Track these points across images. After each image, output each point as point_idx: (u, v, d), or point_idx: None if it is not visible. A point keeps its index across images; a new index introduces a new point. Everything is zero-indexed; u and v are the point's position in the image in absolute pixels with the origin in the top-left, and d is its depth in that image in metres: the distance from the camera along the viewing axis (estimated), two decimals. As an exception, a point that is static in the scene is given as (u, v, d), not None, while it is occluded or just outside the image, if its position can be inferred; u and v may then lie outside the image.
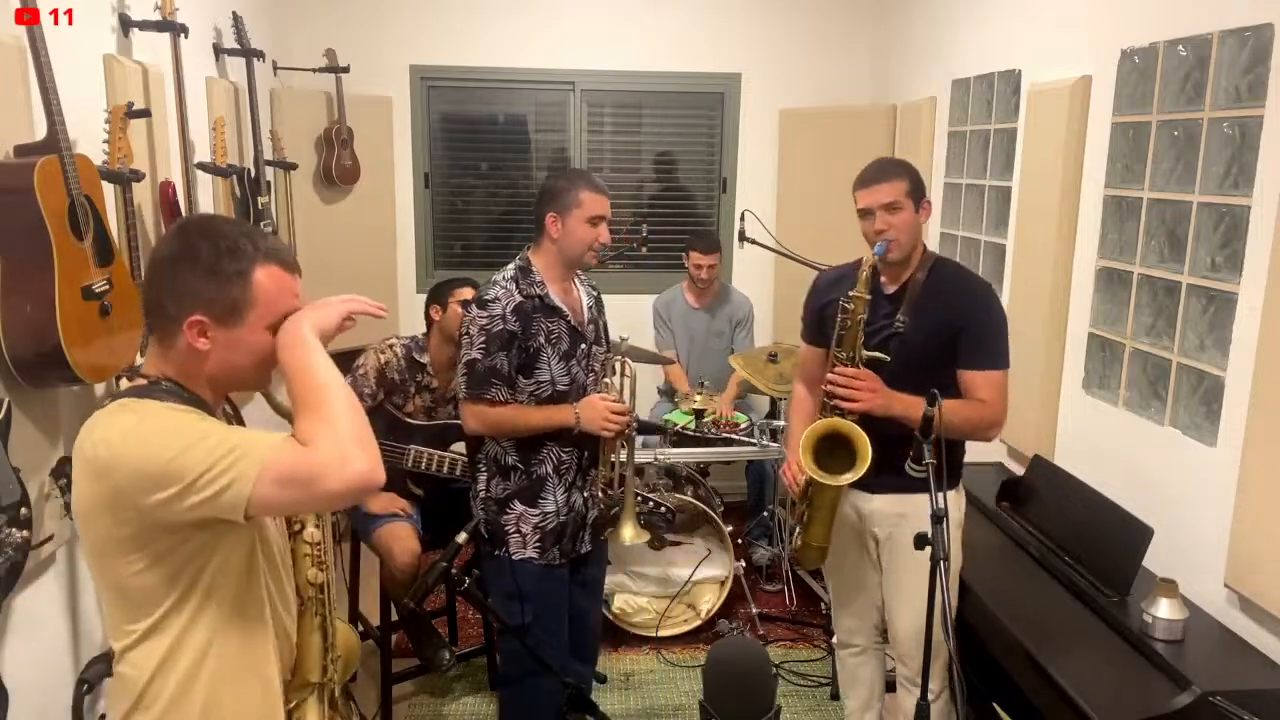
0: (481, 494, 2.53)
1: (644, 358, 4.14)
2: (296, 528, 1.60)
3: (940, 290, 2.43)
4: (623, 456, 2.63)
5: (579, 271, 2.62)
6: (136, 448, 1.30)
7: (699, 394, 4.20)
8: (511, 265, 2.52)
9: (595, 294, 2.70)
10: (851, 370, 2.35)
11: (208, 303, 1.38)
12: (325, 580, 1.63)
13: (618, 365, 2.69)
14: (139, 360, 2.41)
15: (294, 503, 1.37)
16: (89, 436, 1.34)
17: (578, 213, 2.46)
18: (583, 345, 2.56)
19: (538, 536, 2.51)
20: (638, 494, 3.47)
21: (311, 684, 1.58)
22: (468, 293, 3.14)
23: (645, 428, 4.12)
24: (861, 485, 2.47)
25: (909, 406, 2.27)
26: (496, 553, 2.51)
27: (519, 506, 2.50)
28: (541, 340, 2.46)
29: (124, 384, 1.45)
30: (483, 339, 2.40)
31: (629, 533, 2.64)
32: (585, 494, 2.60)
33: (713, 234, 4.65)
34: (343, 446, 1.30)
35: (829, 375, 2.39)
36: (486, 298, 2.43)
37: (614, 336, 2.82)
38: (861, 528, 2.60)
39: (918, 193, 2.41)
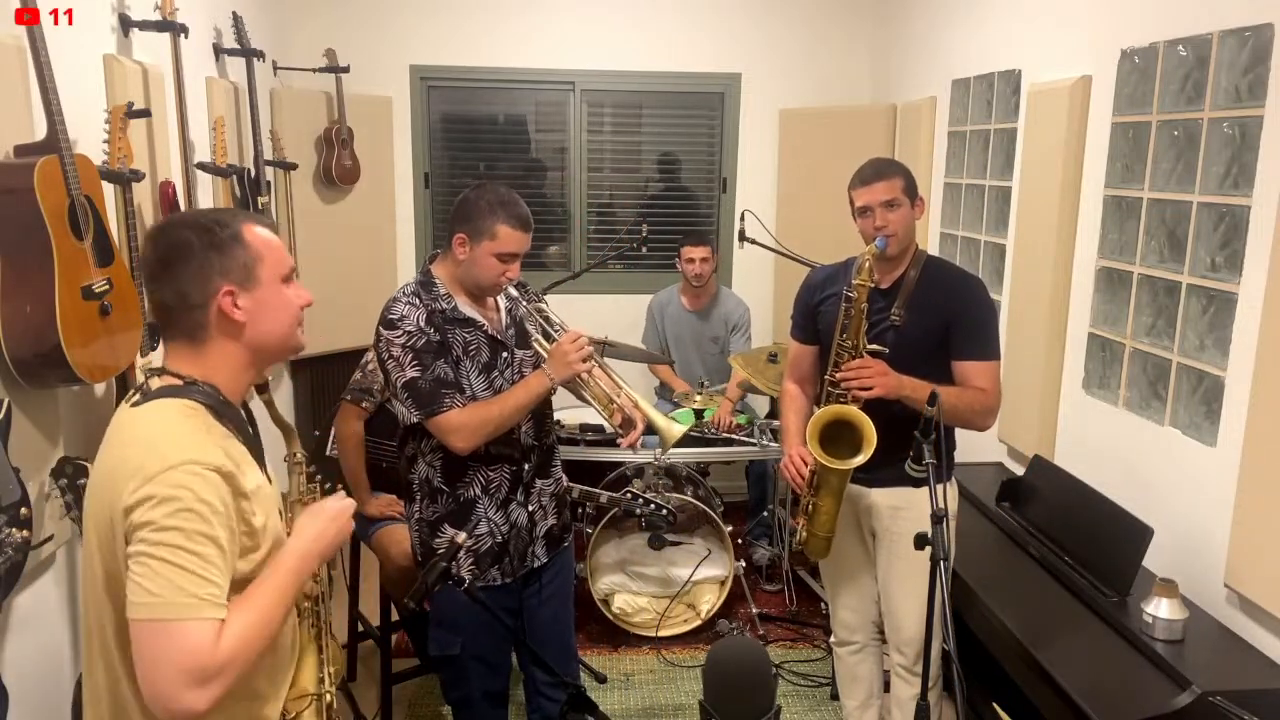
0: (415, 516, 2.42)
1: (639, 357, 4.15)
2: None
3: (935, 285, 2.50)
4: (604, 385, 2.38)
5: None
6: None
7: (699, 393, 4.20)
8: (412, 281, 2.36)
9: (516, 290, 2.40)
10: (858, 360, 2.40)
11: (224, 272, 1.43)
12: (320, 592, 1.62)
13: (536, 320, 2.43)
14: (139, 361, 2.41)
15: (139, 666, 1.30)
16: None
17: (489, 244, 2.27)
18: (504, 354, 2.39)
19: (471, 559, 2.38)
20: (635, 495, 3.48)
21: (309, 694, 1.57)
22: None
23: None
24: (859, 480, 2.50)
25: (916, 388, 2.36)
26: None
27: (449, 530, 2.36)
28: (459, 353, 2.31)
29: (155, 382, 1.44)
30: (411, 357, 2.24)
31: (667, 427, 2.37)
32: (530, 508, 2.44)
33: (699, 229, 4.64)
34: (220, 689, 1.30)
35: (841, 370, 2.41)
36: (392, 317, 2.26)
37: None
38: (859, 522, 2.63)
39: (912, 190, 2.49)
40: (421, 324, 2.26)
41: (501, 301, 2.45)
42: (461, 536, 2.18)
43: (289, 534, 1.55)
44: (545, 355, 2.38)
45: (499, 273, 2.30)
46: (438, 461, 2.37)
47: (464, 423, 2.26)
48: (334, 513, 1.54)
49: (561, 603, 2.61)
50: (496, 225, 2.26)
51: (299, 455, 1.64)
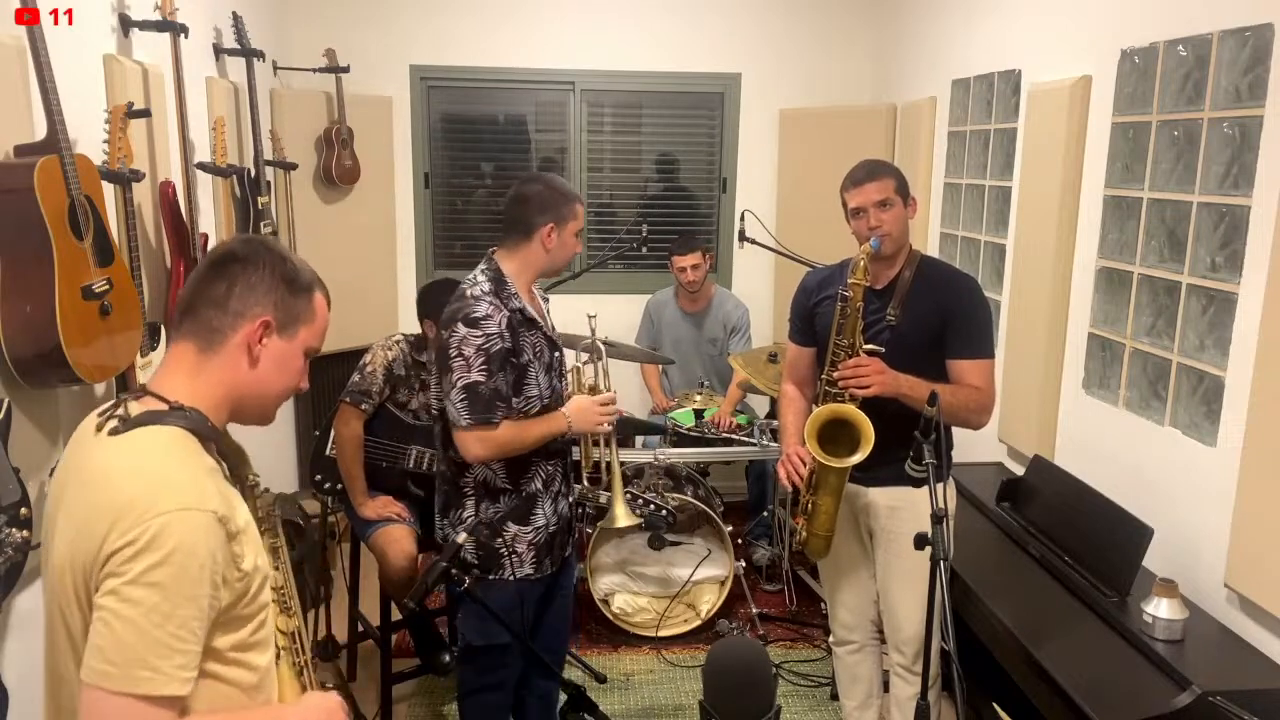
0: (470, 521, 2.42)
1: (639, 356, 4.15)
2: None
3: (929, 285, 2.50)
4: (604, 449, 2.61)
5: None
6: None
7: (699, 393, 4.20)
8: (481, 276, 2.37)
9: (545, 295, 2.61)
10: (855, 359, 2.41)
11: (276, 305, 1.36)
12: (295, 627, 1.50)
13: (584, 359, 2.67)
14: (139, 361, 2.41)
15: None
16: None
17: (572, 225, 2.41)
18: (555, 354, 2.49)
19: (533, 553, 2.44)
20: (636, 495, 3.48)
21: None
22: None
23: (645, 428, 4.12)
24: (857, 479, 2.51)
25: (914, 386, 2.38)
26: (491, 577, 2.39)
27: (513, 528, 2.41)
28: (529, 355, 2.37)
29: (134, 406, 1.30)
30: (482, 360, 2.26)
31: (621, 514, 2.67)
32: (568, 500, 2.57)
33: (688, 234, 4.63)
34: None
35: (838, 369, 2.42)
36: (476, 315, 2.28)
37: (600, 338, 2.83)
38: (857, 521, 2.63)
39: (904, 190, 2.50)
40: (502, 328, 2.30)
41: (542, 303, 2.54)
42: (462, 537, 2.19)
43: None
44: (574, 389, 2.55)
45: (575, 249, 2.47)
46: (498, 462, 2.39)
47: (495, 437, 2.30)
48: (330, 711, 1.40)
49: (568, 596, 2.71)
50: (575, 205, 2.43)
51: (252, 479, 1.51)
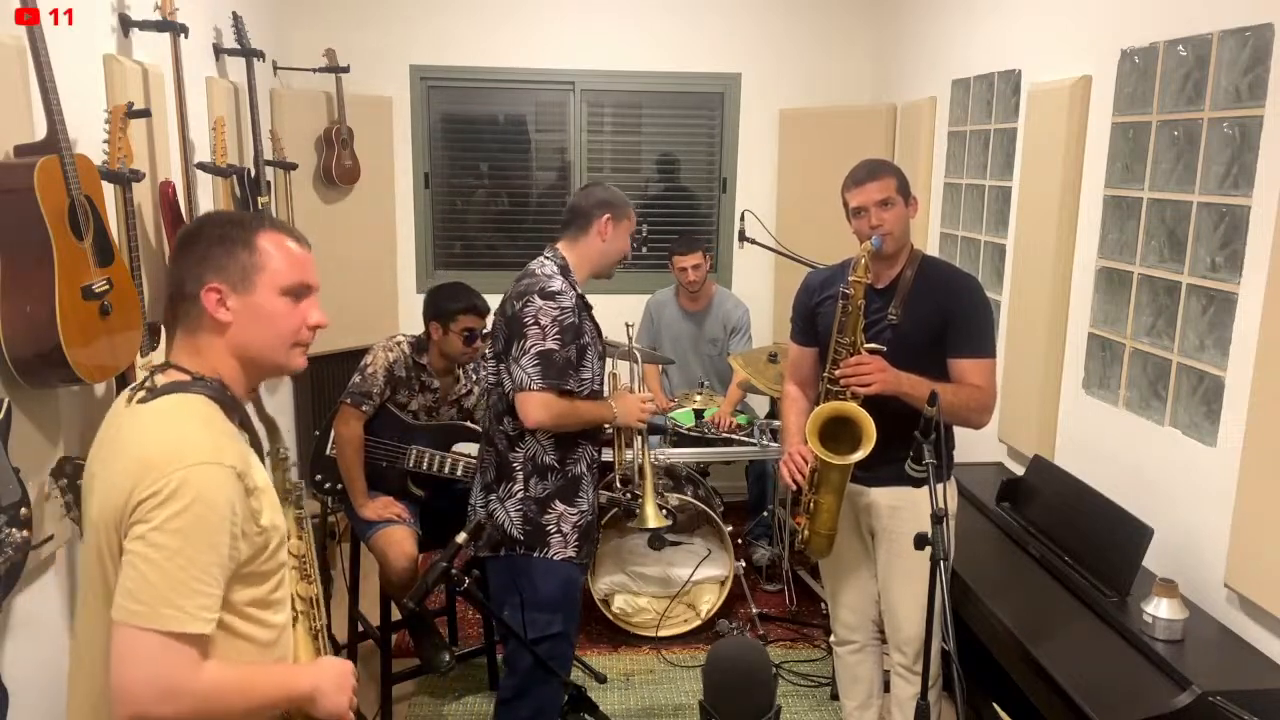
0: (519, 494, 2.50)
1: (646, 358, 4.15)
2: None
3: (931, 284, 2.51)
4: (638, 446, 2.74)
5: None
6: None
7: (699, 393, 4.20)
8: (548, 261, 2.52)
9: None
10: (857, 356, 2.41)
11: (219, 269, 1.42)
12: (315, 594, 1.59)
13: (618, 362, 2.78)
14: (139, 361, 2.41)
15: (112, 661, 1.28)
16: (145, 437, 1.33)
17: (626, 224, 2.58)
18: (601, 345, 2.62)
19: (576, 535, 2.52)
20: (635, 495, 3.48)
21: None
22: (472, 322, 3.11)
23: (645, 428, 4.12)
24: (858, 478, 2.51)
25: (915, 384, 2.38)
26: (535, 555, 2.48)
27: (559, 506, 2.50)
28: (588, 338, 2.51)
29: (160, 378, 1.41)
30: (556, 330, 2.40)
31: (651, 514, 2.74)
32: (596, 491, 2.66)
33: (689, 234, 4.63)
34: (188, 710, 1.27)
35: (841, 368, 2.42)
36: (552, 289, 2.43)
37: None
38: (858, 521, 2.63)
39: (905, 189, 2.50)
40: (574, 304, 2.46)
41: None
42: (462, 536, 2.19)
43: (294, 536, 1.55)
44: (614, 388, 2.70)
45: (627, 250, 2.63)
46: (549, 439, 2.49)
47: (559, 403, 2.41)
48: (342, 681, 1.47)
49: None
50: (630, 209, 2.62)
51: (283, 451, 1.63)
